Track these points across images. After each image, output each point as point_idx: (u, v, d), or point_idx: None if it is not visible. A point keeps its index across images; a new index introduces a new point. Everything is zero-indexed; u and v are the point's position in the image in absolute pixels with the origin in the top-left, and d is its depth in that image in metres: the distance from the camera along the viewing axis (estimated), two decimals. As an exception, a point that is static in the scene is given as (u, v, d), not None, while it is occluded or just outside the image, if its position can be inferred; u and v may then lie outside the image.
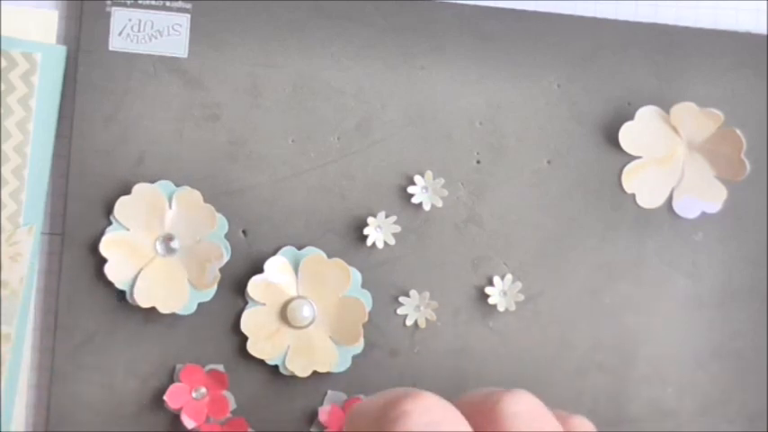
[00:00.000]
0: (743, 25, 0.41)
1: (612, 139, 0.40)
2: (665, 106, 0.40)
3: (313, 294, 0.38)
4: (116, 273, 0.37)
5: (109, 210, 0.37)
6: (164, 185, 0.37)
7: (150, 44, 0.38)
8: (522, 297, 0.39)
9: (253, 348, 0.38)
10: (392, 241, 0.39)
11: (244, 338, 0.38)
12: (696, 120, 0.40)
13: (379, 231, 0.39)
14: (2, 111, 0.36)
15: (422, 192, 0.39)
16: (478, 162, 0.40)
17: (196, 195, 0.37)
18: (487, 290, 0.39)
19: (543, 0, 0.40)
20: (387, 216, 0.39)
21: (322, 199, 0.39)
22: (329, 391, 0.38)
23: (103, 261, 0.37)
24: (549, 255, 0.40)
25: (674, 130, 0.40)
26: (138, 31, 0.38)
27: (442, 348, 0.39)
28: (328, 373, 0.38)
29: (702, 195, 0.40)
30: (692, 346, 0.41)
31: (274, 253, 0.38)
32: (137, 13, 0.38)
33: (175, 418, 0.37)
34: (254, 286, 0.38)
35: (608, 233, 0.40)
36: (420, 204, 0.39)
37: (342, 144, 0.39)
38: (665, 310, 0.40)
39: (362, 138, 0.39)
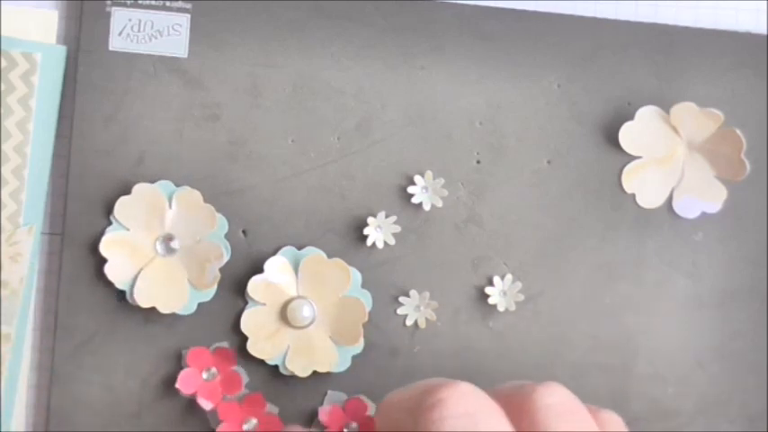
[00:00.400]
0: (743, 25, 0.41)
1: (612, 139, 0.40)
2: (665, 106, 0.40)
3: (313, 294, 0.38)
4: (116, 273, 0.37)
5: (109, 210, 0.37)
6: (164, 185, 0.37)
7: (150, 44, 0.38)
8: (522, 297, 0.39)
9: (253, 348, 0.38)
10: (392, 241, 0.39)
11: (244, 338, 0.38)
12: (696, 120, 0.40)
13: (379, 231, 0.39)
14: (2, 111, 0.36)
15: (422, 192, 0.39)
16: (478, 162, 0.40)
17: (196, 195, 0.37)
18: (487, 290, 0.39)
19: (543, 0, 0.40)
20: (387, 216, 0.39)
21: (322, 199, 0.39)
22: (329, 391, 0.38)
23: (103, 261, 0.37)
24: (549, 255, 0.40)
25: (674, 130, 0.40)
26: (138, 31, 0.38)
27: (442, 348, 0.39)
28: (328, 373, 0.38)
29: (702, 195, 0.40)
30: (692, 346, 0.41)
31: (274, 253, 0.38)
32: (137, 13, 0.38)
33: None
34: (254, 286, 0.38)
35: (608, 233, 0.40)
36: (420, 204, 0.39)
37: (342, 144, 0.39)
38: (665, 310, 0.40)
39: (362, 138, 0.39)
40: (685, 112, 0.40)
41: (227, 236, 0.38)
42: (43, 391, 0.38)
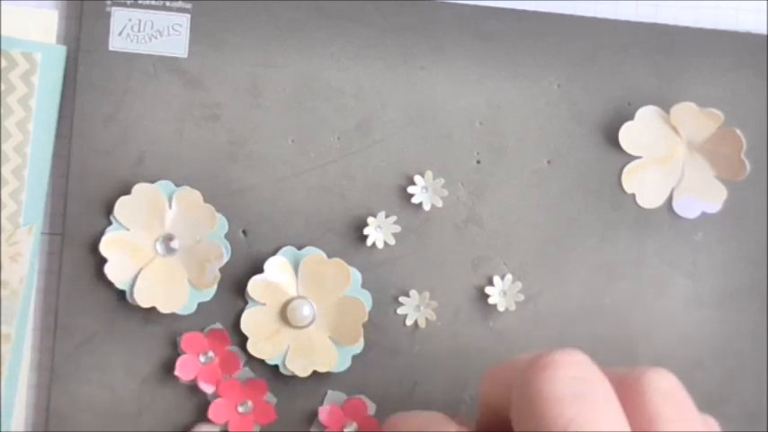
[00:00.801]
0: (743, 25, 0.41)
1: (612, 139, 0.40)
2: (665, 106, 0.40)
3: (313, 294, 0.38)
4: (116, 273, 0.37)
5: (109, 210, 0.37)
6: (164, 185, 0.37)
7: (150, 44, 0.38)
8: (522, 297, 0.39)
9: (253, 348, 0.38)
10: (392, 241, 0.39)
11: (244, 338, 0.38)
12: (696, 120, 0.40)
13: (379, 231, 0.39)
14: (2, 111, 0.36)
15: (422, 192, 0.39)
16: (478, 162, 0.40)
17: (196, 195, 0.37)
18: (487, 290, 0.39)
19: (543, 0, 0.40)
20: (387, 216, 0.39)
21: (322, 199, 0.39)
22: (329, 391, 0.38)
23: (103, 261, 0.37)
24: (549, 255, 0.40)
25: (674, 130, 0.40)
26: (138, 31, 0.38)
27: (442, 348, 0.39)
28: (328, 373, 0.38)
29: (702, 195, 0.40)
30: (692, 346, 0.41)
31: (274, 253, 0.38)
32: (137, 13, 0.38)
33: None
34: (254, 286, 0.38)
35: (608, 233, 0.40)
36: (420, 204, 0.39)
37: (342, 144, 0.39)
38: (665, 310, 0.40)
39: (362, 138, 0.39)
40: (685, 112, 0.40)
41: (227, 236, 0.38)
42: (43, 391, 0.38)
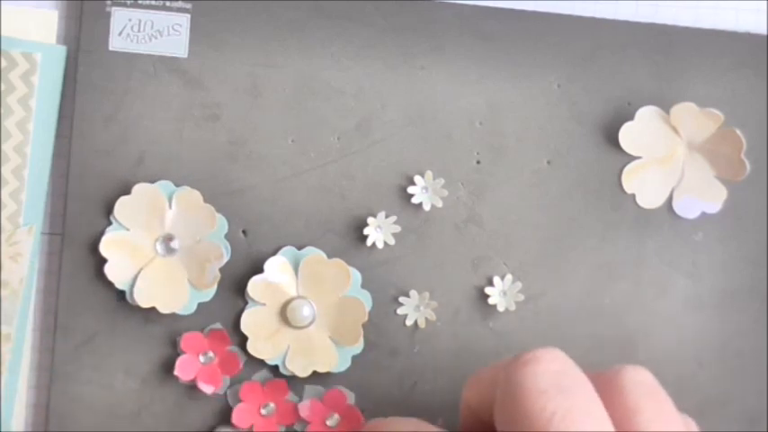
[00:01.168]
0: (743, 25, 0.41)
1: (612, 139, 0.40)
2: (665, 106, 0.40)
3: (313, 294, 0.38)
4: (116, 273, 0.37)
5: (109, 210, 0.37)
6: (164, 185, 0.37)
7: (150, 44, 0.38)
8: (522, 297, 0.39)
9: (253, 348, 0.38)
10: (392, 241, 0.39)
11: (244, 338, 0.38)
12: (696, 120, 0.40)
13: (379, 231, 0.39)
14: (2, 111, 0.36)
15: (422, 192, 0.39)
16: (478, 162, 0.40)
17: (196, 195, 0.37)
18: (487, 290, 0.39)
19: (543, 0, 0.40)
20: (387, 216, 0.39)
21: (322, 199, 0.39)
22: (306, 386, 0.38)
23: (103, 261, 0.37)
24: (549, 255, 0.40)
25: (674, 130, 0.40)
26: (138, 31, 0.38)
27: (442, 348, 0.39)
28: (328, 373, 0.38)
29: (702, 195, 0.40)
30: (692, 346, 0.41)
31: (274, 253, 0.38)
32: (137, 13, 0.38)
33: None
34: (254, 286, 0.38)
35: (608, 233, 0.40)
36: (420, 204, 0.39)
37: (342, 144, 0.39)
38: (665, 310, 0.40)
39: (362, 138, 0.39)
40: (685, 112, 0.40)
41: (227, 236, 0.38)
42: (43, 391, 0.38)
